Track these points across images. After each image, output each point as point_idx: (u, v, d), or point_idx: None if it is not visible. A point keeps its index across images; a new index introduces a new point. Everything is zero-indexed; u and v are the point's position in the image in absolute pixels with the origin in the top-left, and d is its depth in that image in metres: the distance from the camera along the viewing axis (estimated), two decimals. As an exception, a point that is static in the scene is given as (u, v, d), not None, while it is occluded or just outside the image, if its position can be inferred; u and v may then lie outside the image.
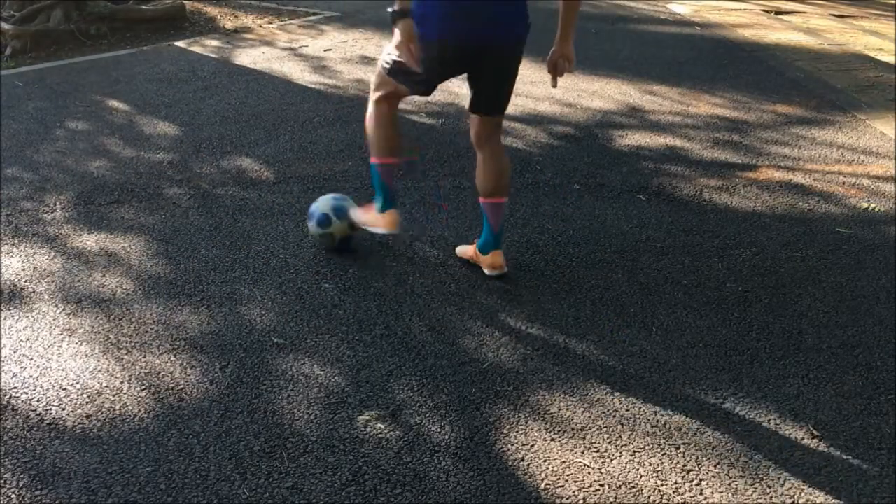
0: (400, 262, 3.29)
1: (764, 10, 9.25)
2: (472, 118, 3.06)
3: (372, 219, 3.18)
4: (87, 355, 2.67)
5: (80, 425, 2.34)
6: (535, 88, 5.74)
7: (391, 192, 3.14)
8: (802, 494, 2.12)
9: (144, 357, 2.66)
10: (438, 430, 2.33)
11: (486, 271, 3.17)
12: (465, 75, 2.97)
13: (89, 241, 3.46)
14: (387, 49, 2.94)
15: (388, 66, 2.92)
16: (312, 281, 3.14)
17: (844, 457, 2.25)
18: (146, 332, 2.80)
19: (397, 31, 2.75)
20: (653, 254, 3.38)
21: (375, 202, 3.17)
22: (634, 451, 2.26)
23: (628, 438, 2.31)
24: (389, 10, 2.78)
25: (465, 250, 3.29)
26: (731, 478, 2.17)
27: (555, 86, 3.03)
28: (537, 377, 2.58)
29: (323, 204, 3.30)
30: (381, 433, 2.31)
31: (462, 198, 3.82)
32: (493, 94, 2.97)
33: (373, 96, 3.07)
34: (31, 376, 2.56)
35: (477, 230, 3.57)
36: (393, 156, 3.11)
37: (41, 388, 2.50)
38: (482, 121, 3.03)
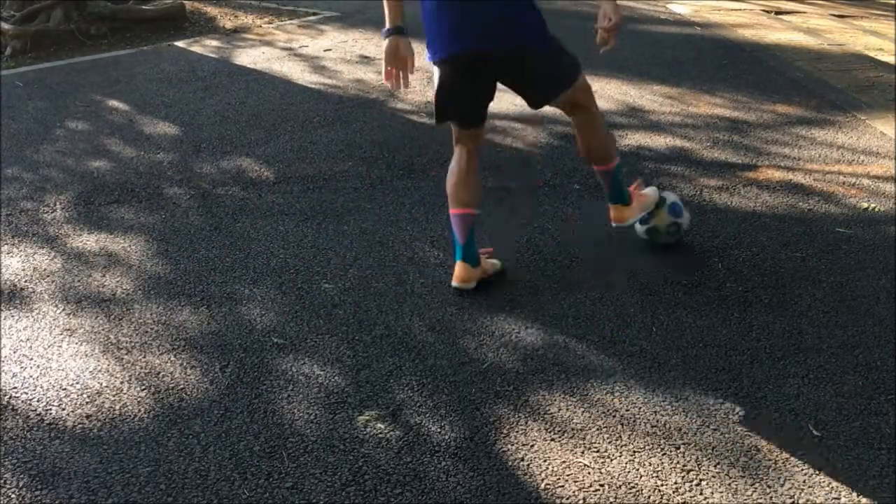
0: (400, 262, 3.29)
1: (764, 10, 9.24)
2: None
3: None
4: (87, 355, 2.67)
5: (80, 425, 2.34)
6: (535, 88, 5.74)
7: (461, 246, 2.99)
8: (802, 494, 2.12)
9: (144, 357, 2.66)
10: (438, 430, 2.33)
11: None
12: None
13: (89, 241, 3.46)
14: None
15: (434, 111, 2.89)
16: (312, 281, 3.14)
17: (844, 457, 2.24)
18: (146, 332, 2.80)
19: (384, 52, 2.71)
20: (653, 254, 3.38)
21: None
22: (634, 451, 2.26)
23: (628, 438, 2.31)
24: (383, 31, 2.75)
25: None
26: (731, 478, 2.17)
27: (605, 51, 2.81)
28: (537, 377, 2.58)
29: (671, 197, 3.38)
30: (381, 433, 2.31)
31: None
32: (531, 93, 2.95)
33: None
34: (31, 376, 2.56)
35: (477, 229, 3.58)
36: (458, 206, 2.97)
37: (41, 388, 2.50)
38: (557, 104, 3.03)
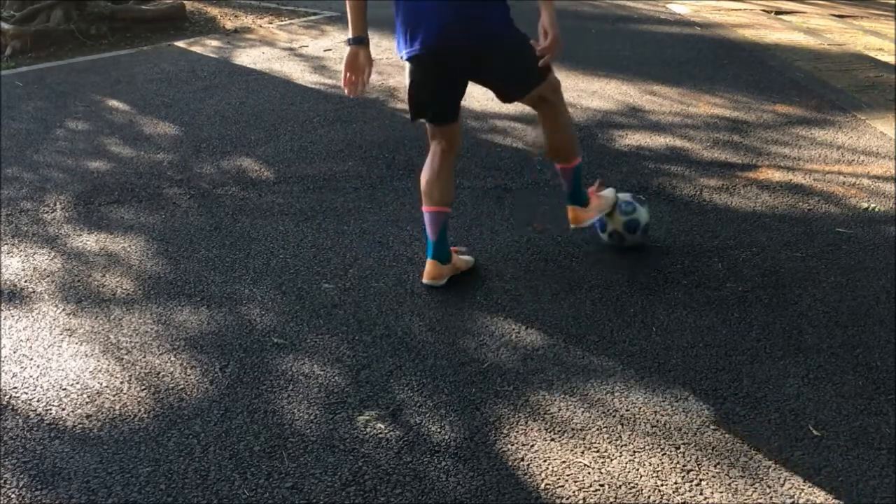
0: (400, 262, 3.29)
1: (764, 10, 9.24)
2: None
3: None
4: (87, 355, 2.67)
5: (80, 425, 2.34)
6: (535, 88, 5.73)
7: (432, 242, 3.05)
8: (802, 494, 2.12)
9: (144, 357, 2.66)
10: (438, 430, 2.33)
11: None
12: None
13: (89, 241, 3.46)
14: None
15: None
16: (312, 281, 3.14)
17: (844, 457, 2.25)
18: (146, 332, 2.80)
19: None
20: (653, 254, 3.38)
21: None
22: (634, 451, 2.26)
23: (628, 438, 2.31)
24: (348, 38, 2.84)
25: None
26: (731, 478, 2.17)
27: (542, 65, 2.83)
28: (537, 377, 2.58)
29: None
30: (381, 433, 2.31)
31: (461, 197, 3.82)
32: (502, 88, 2.96)
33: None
34: (31, 376, 2.56)
35: (476, 229, 3.58)
36: (429, 204, 3.04)
37: (41, 388, 2.50)
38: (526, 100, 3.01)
